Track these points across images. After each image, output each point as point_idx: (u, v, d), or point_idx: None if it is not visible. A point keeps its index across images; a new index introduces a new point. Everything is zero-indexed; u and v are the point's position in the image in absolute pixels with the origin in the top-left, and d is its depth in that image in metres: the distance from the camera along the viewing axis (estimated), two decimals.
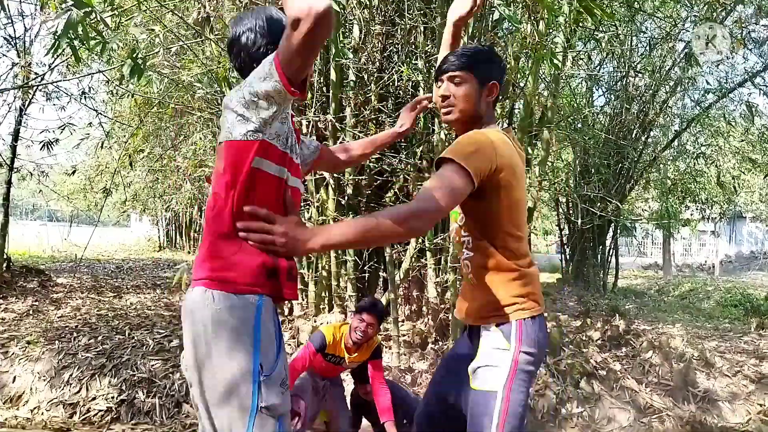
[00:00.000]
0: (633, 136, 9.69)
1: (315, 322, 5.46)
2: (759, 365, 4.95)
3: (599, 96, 10.43)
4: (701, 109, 9.61)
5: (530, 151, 4.91)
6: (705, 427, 4.22)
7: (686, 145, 11.53)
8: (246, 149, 1.36)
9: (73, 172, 12.46)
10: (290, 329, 5.67)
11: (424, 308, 5.40)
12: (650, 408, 4.26)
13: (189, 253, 16.07)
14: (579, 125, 9.34)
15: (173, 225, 18.57)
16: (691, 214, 18.40)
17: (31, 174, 9.75)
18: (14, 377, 4.70)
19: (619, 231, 11.33)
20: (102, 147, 6.48)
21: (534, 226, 15.33)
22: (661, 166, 11.65)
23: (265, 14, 1.48)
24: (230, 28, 1.53)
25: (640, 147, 9.87)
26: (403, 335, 5.04)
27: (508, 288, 1.50)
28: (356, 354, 3.33)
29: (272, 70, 1.29)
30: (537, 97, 4.76)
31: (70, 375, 4.64)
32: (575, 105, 9.09)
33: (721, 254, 21.84)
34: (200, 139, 6.36)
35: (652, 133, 10.95)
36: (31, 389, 4.58)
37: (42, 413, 4.36)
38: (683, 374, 4.52)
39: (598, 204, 8.54)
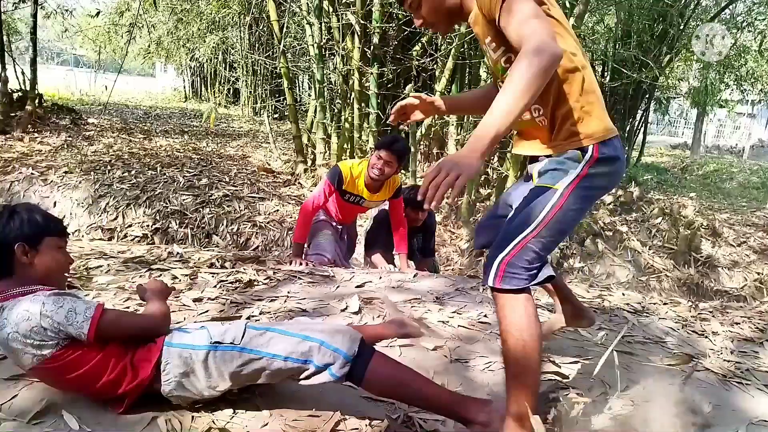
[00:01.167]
0: (682, 2, 8.99)
1: None
2: (765, 238, 5.08)
3: None
4: None
5: (567, 4, 4.66)
6: (701, 288, 4.45)
7: (738, 17, 10.75)
8: None
9: (97, 14, 12.20)
10: (312, 176, 5.89)
11: None
12: (650, 268, 4.47)
13: (214, 104, 16.10)
14: None
15: (198, 76, 18.37)
16: (730, 94, 17.62)
17: (56, 12, 9.60)
18: (54, 202, 5.04)
19: (651, 103, 10.96)
20: None
21: None
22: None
23: None
24: None
25: (688, 14, 9.21)
26: None
27: None
28: (377, 193, 3.27)
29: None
30: None
31: (107, 203, 4.97)
32: None
33: (754, 138, 21.20)
34: None
35: (702, 3, 10.18)
36: (70, 214, 4.93)
37: (82, 236, 4.73)
38: (688, 240, 4.68)
39: (635, 72, 8.20)
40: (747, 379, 1.85)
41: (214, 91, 16.57)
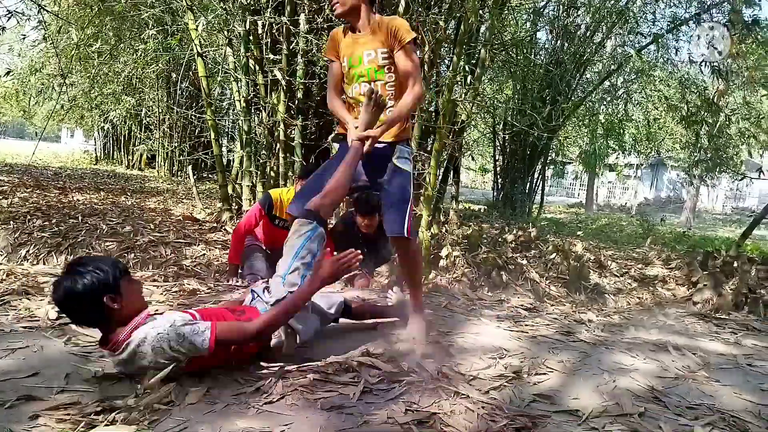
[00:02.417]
0: (569, 75, 10.29)
1: None
2: (644, 269, 5.84)
3: (540, 29, 10.87)
4: (634, 51, 10.12)
5: (467, 68, 5.37)
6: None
7: (619, 89, 12.39)
8: None
9: (7, 73, 12.00)
10: (233, 227, 6.09)
11: None
12: (547, 295, 5.02)
13: (127, 167, 15.88)
14: (520, 58, 9.86)
15: (111, 138, 18.09)
16: (617, 158, 19.72)
17: None
18: None
19: (547, 164, 12.13)
20: (45, 40, 6.37)
21: (471, 157, 16.11)
22: (592, 106, 12.45)
23: None
24: None
25: (574, 85, 10.54)
26: None
27: None
28: None
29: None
30: (477, 16, 5.15)
31: (27, 251, 4.92)
32: (518, 37, 9.56)
33: (640, 197, 23.56)
34: (151, 37, 6.38)
35: (586, 76, 11.68)
36: None
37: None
38: (578, 271, 5.31)
39: (531, 137, 9.21)
40: (611, 346, 2.31)
41: (129, 153, 16.33)
